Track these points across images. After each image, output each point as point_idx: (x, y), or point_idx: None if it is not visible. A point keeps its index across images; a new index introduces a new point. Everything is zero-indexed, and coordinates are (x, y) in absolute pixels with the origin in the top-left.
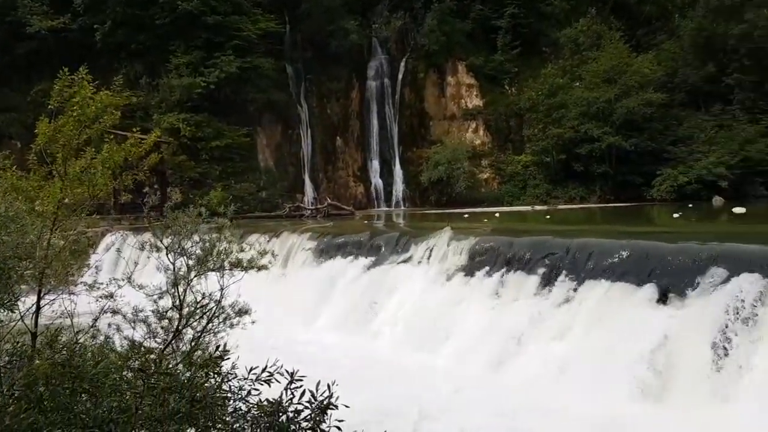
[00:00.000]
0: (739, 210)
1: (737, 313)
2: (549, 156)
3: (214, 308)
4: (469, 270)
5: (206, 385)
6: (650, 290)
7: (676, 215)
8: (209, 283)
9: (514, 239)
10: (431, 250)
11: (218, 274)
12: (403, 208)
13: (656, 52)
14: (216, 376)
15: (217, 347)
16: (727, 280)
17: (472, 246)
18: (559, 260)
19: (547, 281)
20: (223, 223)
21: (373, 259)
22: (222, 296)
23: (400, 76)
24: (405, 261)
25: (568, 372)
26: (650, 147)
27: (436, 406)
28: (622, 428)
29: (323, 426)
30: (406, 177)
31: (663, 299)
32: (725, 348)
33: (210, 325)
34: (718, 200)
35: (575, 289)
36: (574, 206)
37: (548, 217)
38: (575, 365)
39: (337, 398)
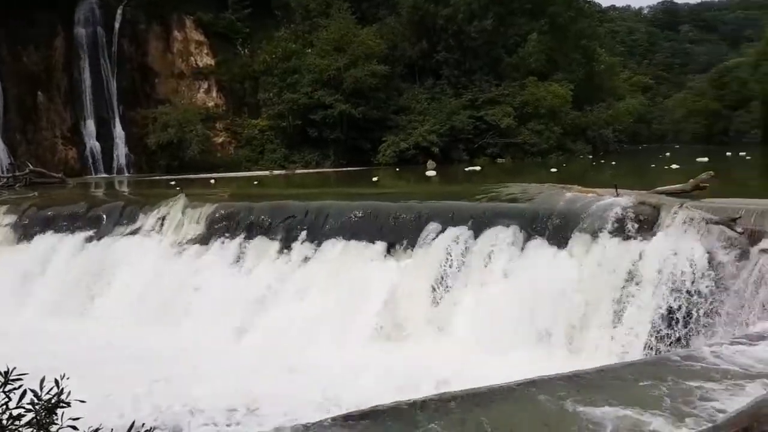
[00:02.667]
0: (430, 173)
1: (450, 261)
2: (285, 121)
3: None
4: (208, 238)
5: None
6: (380, 246)
7: (375, 178)
8: None
9: (254, 204)
10: (163, 220)
11: None
12: (127, 174)
13: (379, 25)
14: None
15: None
16: (441, 233)
17: (210, 213)
18: (298, 223)
19: (288, 244)
20: None
21: (93, 232)
22: None
23: (116, 26)
24: (133, 233)
25: (312, 328)
26: (376, 115)
27: (178, 385)
28: (365, 368)
29: (53, 428)
30: (130, 140)
31: (391, 253)
32: (442, 290)
33: None
34: (431, 164)
35: (315, 250)
36: (310, 171)
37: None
38: (318, 321)
39: (69, 394)
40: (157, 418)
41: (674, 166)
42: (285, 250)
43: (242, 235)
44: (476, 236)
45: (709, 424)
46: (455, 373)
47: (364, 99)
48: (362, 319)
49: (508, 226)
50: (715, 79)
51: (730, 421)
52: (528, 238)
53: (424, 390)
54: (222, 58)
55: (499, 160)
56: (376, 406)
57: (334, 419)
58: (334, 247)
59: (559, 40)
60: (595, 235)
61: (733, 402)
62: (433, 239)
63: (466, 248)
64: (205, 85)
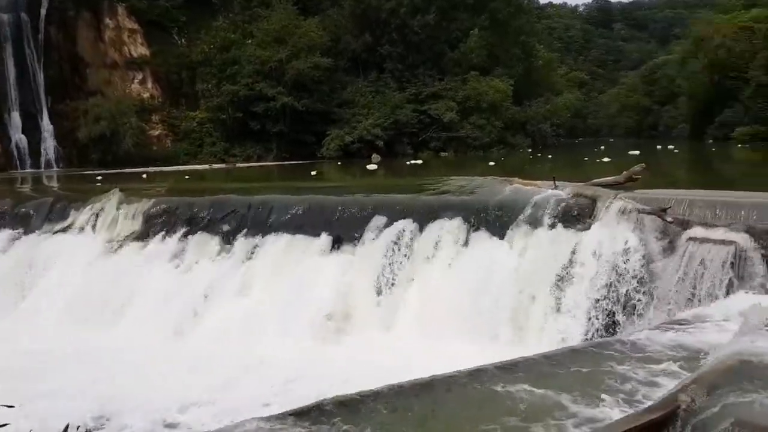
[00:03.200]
0: (372, 167)
1: (396, 254)
2: (225, 113)
3: None
4: (145, 235)
5: None
6: (325, 240)
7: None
8: None
9: (194, 199)
10: (97, 216)
11: None
12: (56, 169)
13: (321, 17)
14: None
15: None
16: (387, 227)
17: (147, 209)
18: (241, 218)
19: (230, 239)
20: None
21: (19, 230)
22: None
23: (43, 12)
24: (63, 230)
25: (256, 324)
26: (320, 108)
27: (114, 387)
28: (312, 364)
29: None
30: (59, 133)
31: (337, 247)
32: (388, 283)
33: None
34: (376, 157)
35: (257, 245)
36: (252, 164)
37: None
38: (262, 317)
39: None
40: (91, 421)
41: (605, 159)
42: (227, 246)
43: (182, 231)
44: (421, 229)
45: (640, 407)
46: (401, 365)
47: (307, 92)
48: (308, 314)
49: (452, 218)
50: (646, 76)
51: (657, 405)
52: (471, 230)
53: (371, 382)
54: (157, 47)
55: (443, 154)
56: (323, 400)
57: (279, 415)
58: (278, 241)
59: (500, 35)
60: (535, 226)
61: (663, 386)
62: (379, 233)
63: (411, 241)
64: (140, 76)
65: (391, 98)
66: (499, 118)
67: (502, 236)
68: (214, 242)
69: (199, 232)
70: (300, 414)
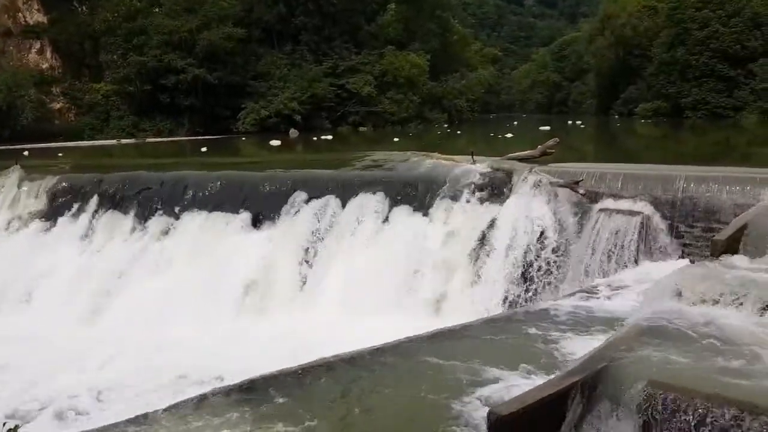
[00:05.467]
0: (275, 143)
1: (318, 230)
2: (132, 85)
3: None
4: (51, 214)
5: None
6: (245, 217)
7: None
8: None
9: (103, 176)
10: None
11: None
12: None
13: None
14: None
15: None
16: (308, 202)
17: (52, 186)
18: (154, 194)
19: (144, 217)
20: None
21: None
22: None
23: None
24: None
25: (174, 305)
26: (234, 81)
27: (23, 376)
28: (234, 342)
29: None
30: None
31: (257, 224)
32: (310, 259)
33: None
34: (294, 132)
35: (173, 223)
36: (163, 139)
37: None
38: (180, 297)
39: None
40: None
41: (509, 135)
42: (140, 225)
43: (91, 210)
44: (344, 204)
45: (556, 373)
46: (325, 340)
47: (220, 63)
48: (228, 293)
49: (374, 193)
50: (556, 53)
51: (573, 371)
52: (393, 204)
53: (294, 359)
54: (56, 14)
55: (362, 129)
56: (251, 378)
57: (202, 395)
58: (195, 219)
59: (416, 9)
60: (455, 200)
61: (578, 351)
62: (301, 208)
63: (333, 217)
64: (38, 45)
65: (308, 71)
66: (416, 93)
67: (423, 210)
68: (126, 221)
69: (110, 211)
70: (217, 394)
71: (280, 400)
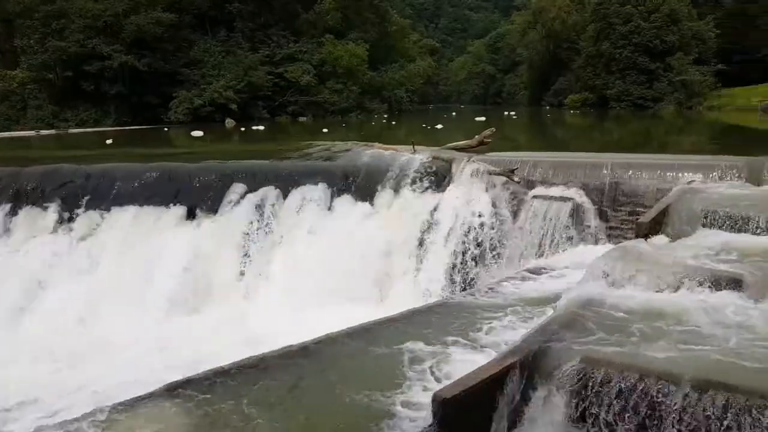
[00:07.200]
0: (197, 134)
1: (258, 223)
2: (52, 73)
3: None
4: None
5: None
6: (179, 210)
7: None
8: None
9: (20, 170)
10: None
11: None
12: None
13: None
14: None
15: None
16: (246, 194)
17: None
18: (79, 189)
19: (69, 213)
20: None
21: None
22: None
23: None
24: None
25: (103, 306)
26: (164, 68)
27: None
28: (169, 341)
29: None
30: None
31: (192, 218)
32: (250, 253)
33: None
34: (230, 122)
35: (101, 218)
36: (88, 130)
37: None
38: (111, 296)
39: None
40: None
41: (438, 126)
42: (64, 221)
43: (7, 206)
44: (285, 196)
45: (494, 356)
46: (267, 334)
47: (149, 50)
48: (163, 291)
49: (316, 184)
50: (490, 45)
51: (509, 352)
52: (336, 195)
53: (235, 355)
54: None
55: (301, 119)
56: (186, 377)
57: (128, 401)
58: (125, 214)
59: None
60: (396, 189)
61: (516, 333)
62: (239, 200)
63: (274, 208)
64: None
65: (244, 59)
66: (356, 83)
67: (365, 200)
68: (49, 217)
69: (29, 206)
70: (152, 397)
71: (216, 402)
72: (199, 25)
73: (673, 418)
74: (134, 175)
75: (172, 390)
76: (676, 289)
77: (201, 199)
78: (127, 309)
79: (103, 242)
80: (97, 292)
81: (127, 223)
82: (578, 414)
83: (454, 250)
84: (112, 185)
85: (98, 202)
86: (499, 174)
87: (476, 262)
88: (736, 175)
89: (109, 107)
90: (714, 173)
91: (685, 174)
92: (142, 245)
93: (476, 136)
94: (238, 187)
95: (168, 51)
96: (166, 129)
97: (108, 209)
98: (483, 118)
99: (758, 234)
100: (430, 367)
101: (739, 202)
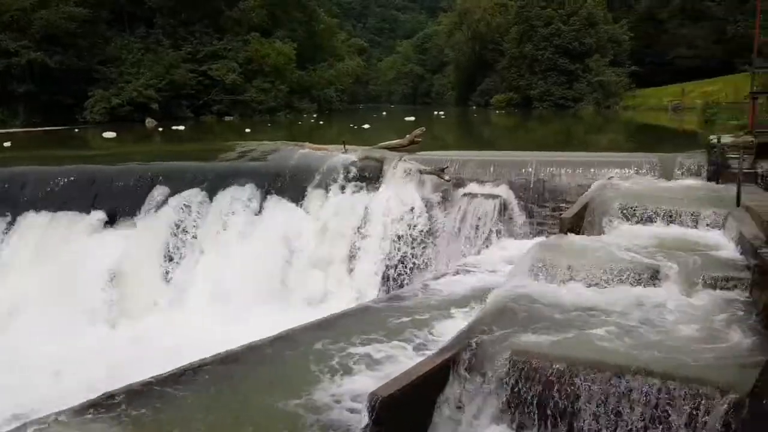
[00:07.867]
0: (109, 135)
1: (183, 226)
2: None
3: None
4: None
5: None
6: (98, 216)
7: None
8: None
9: None
10: None
11: None
12: None
13: None
14: None
15: None
16: (171, 197)
17: None
18: None
19: None
20: None
21: None
22: None
23: None
24: None
25: (12, 319)
26: (78, 66)
27: None
28: (88, 354)
29: None
30: None
31: (111, 223)
32: (175, 258)
33: None
34: (151, 122)
35: (11, 224)
36: None
37: None
38: (21, 310)
39: None
40: None
41: (366, 126)
42: None
43: None
44: (211, 198)
45: (431, 351)
46: (194, 341)
47: (60, 46)
48: (79, 301)
49: (244, 185)
50: (418, 45)
51: (442, 350)
52: (265, 196)
53: (164, 364)
54: None
55: (227, 118)
56: (110, 391)
57: (45, 417)
58: (37, 220)
59: None
60: (328, 189)
61: (450, 328)
62: (162, 204)
63: (200, 211)
64: None
65: (165, 57)
66: (284, 82)
67: (297, 201)
68: None
69: None
70: (66, 412)
71: (143, 414)
72: (116, 20)
73: (597, 401)
74: (47, 180)
75: (95, 405)
76: (599, 281)
77: (122, 204)
78: (43, 321)
79: (11, 251)
80: (8, 305)
81: (39, 229)
82: (511, 403)
83: (388, 249)
84: (22, 190)
85: (6, 207)
86: (429, 173)
87: (409, 261)
88: (651, 170)
89: (17, 107)
90: (630, 169)
91: (604, 170)
92: (57, 254)
93: (407, 136)
94: (161, 190)
95: (82, 47)
96: (77, 130)
97: (17, 216)
98: (413, 118)
99: (670, 225)
100: (364, 368)
101: (653, 194)
